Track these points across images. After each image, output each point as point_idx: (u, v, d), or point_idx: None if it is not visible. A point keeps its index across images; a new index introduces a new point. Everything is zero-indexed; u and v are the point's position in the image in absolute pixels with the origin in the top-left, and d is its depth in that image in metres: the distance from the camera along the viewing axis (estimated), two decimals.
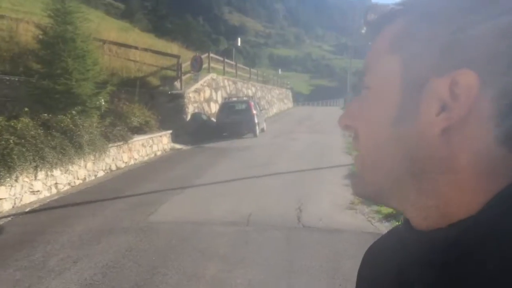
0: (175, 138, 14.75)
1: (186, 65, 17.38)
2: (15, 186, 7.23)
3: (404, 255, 0.52)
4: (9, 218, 6.57)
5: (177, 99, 15.83)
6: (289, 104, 43.23)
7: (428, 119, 0.46)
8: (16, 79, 12.11)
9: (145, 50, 17.43)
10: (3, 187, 6.90)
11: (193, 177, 9.40)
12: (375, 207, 6.64)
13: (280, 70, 63.18)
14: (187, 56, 19.34)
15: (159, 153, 13.35)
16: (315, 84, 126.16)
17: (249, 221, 6.14)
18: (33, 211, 7.01)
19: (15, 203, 7.22)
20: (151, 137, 12.89)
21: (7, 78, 12.77)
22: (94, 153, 9.47)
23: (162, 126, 14.15)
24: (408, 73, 0.48)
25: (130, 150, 11.49)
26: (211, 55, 21.45)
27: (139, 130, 12.47)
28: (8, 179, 6.95)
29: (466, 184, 0.45)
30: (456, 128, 0.45)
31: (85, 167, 9.35)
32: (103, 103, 11.60)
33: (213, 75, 20.12)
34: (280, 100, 38.73)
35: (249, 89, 26.74)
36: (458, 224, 0.45)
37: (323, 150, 13.17)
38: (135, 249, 5.17)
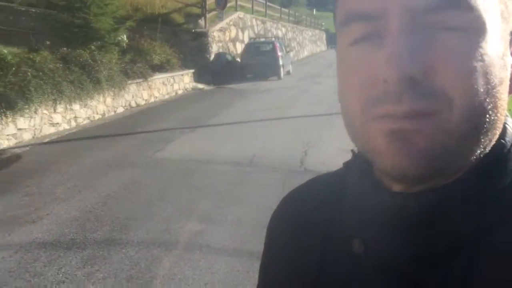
0: (198, 78, 14.80)
1: (211, 2, 17.04)
2: (35, 117, 7.54)
3: (340, 211, 0.51)
4: (28, 148, 6.92)
5: (201, 38, 15.69)
6: (322, 46, 42.16)
7: None
8: (40, 11, 12.26)
9: None
10: (22, 118, 7.21)
11: (207, 117, 9.53)
12: None
13: (315, 10, 60.88)
14: None
15: (180, 92, 13.47)
16: None
17: (252, 162, 6.26)
18: (50, 142, 7.35)
19: (34, 134, 7.57)
20: (172, 76, 12.97)
21: (33, 10, 12.94)
22: (113, 89, 9.67)
23: (185, 65, 14.17)
24: (506, 13, 0.43)
25: (150, 87, 11.64)
26: None
27: (161, 68, 12.55)
28: (27, 110, 7.24)
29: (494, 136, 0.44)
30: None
31: (104, 102, 9.59)
32: (125, 39, 11.66)
33: (240, 13, 19.69)
34: (313, 42, 37.81)
35: (279, 30, 26.13)
36: (433, 193, 0.43)
37: None
38: (137, 182, 5.41)
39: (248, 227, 4.19)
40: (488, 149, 0.43)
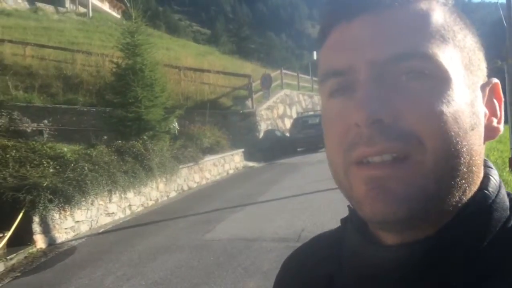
0: (248, 156, 15.07)
1: (257, 84, 17.77)
2: (91, 209, 7.88)
3: (339, 268, 0.52)
4: (84, 239, 7.17)
5: (249, 118, 16.20)
6: None
7: (491, 117, 0.48)
8: (101, 109, 13.30)
9: (218, 72, 18.16)
10: (79, 211, 7.56)
11: (256, 194, 9.53)
12: None
13: None
14: (262, 74, 19.78)
15: (231, 171, 13.72)
16: None
17: (300, 237, 6.07)
18: (105, 232, 7.59)
19: (91, 225, 7.87)
20: (223, 157, 13.31)
21: (94, 109, 14.08)
22: (165, 174, 10.02)
23: (235, 145, 14.55)
24: (468, 70, 0.46)
25: (201, 170, 11.96)
26: (284, 71, 21.68)
27: (211, 150, 12.95)
28: (84, 203, 7.60)
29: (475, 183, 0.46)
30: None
31: (157, 188, 9.91)
32: (177, 126, 12.28)
33: (286, 91, 20.30)
34: None
35: None
36: (422, 242, 0.44)
37: None
38: (184, 266, 5.38)
39: None
40: (469, 194, 0.45)
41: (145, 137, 10.16)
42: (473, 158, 0.44)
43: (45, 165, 7.62)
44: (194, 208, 8.70)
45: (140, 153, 9.51)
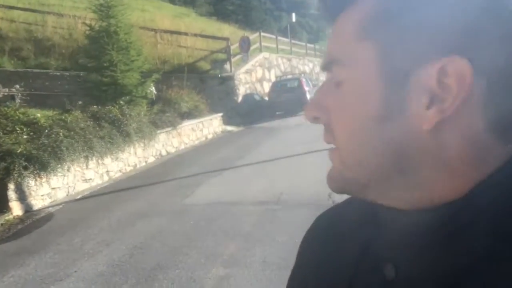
0: (227, 120, 14.99)
1: (235, 47, 17.48)
2: (68, 175, 7.78)
3: (375, 233, 0.52)
4: (61, 206, 7.11)
5: (228, 82, 16.02)
6: None
7: (417, 114, 0.43)
8: (75, 74, 12.94)
9: (195, 35, 17.77)
10: (55, 177, 7.45)
11: (235, 158, 9.54)
12: None
13: None
14: (240, 37, 19.42)
15: (210, 136, 13.66)
16: None
17: (279, 200, 6.15)
18: (82, 198, 7.53)
19: (68, 192, 7.79)
20: (201, 121, 13.20)
21: (67, 74, 13.69)
22: (143, 140, 9.91)
23: (214, 109, 14.43)
24: (387, 63, 0.44)
25: (180, 135, 11.87)
26: (263, 34, 21.34)
27: (189, 115, 12.82)
28: (60, 169, 7.48)
29: (455, 173, 0.44)
30: (448, 119, 0.42)
31: (135, 154, 9.82)
32: (154, 91, 12.07)
33: (265, 54, 20.05)
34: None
35: (305, 65, 26.36)
36: (447, 206, 0.44)
37: None
38: (164, 231, 5.40)
39: (274, 267, 4.05)
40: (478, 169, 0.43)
41: (121, 102, 9.96)
42: (408, 146, 0.43)
43: (18, 131, 7.42)
44: (172, 173, 8.68)
45: (117, 119, 9.35)
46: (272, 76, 20.33)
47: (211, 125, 13.91)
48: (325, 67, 0.49)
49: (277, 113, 17.15)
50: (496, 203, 0.42)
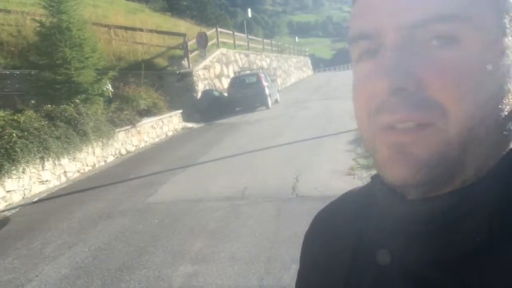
0: (187, 117, 14.85)
1: (193, 43, 17.30)
2: (23, 177, 7.48)
3: (368, 223, 0.53)
4: (17, 209, 6.83)
5: (186, 78, 15.84)
6: (308, 71, 42.65)
7: None
8: (26, 72, 12.40)
9: (151, 31, 17.44)
10: (10, 180, 7.15)
11: (198, 155, 9.49)
12: (374, 171, 6.56)
13: (297, 38, 62.05)
14: (197, 33, 19.23)
15: (170, 133, 13.49)
16: (337, 48, 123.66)
17: (244, 195, 6.18)
18: (40, 201, 7.27)
19: (24, 194, 7.49)
20: (161, 119, 13.02)
21: (17, 72, 13.08)
22: (101, 139, 9.66)
23: (173, 106, 14.24)
24: (505, 22, 0.43)
25: (139, 133, 11.65)
26: (219, 29, 21.23)
27: (148, 112, 12.60)
28: (15, 171, 7.19)
29: (484, 156, 0.44)
30: None
31: (93, 153, 9.56)
32: (110, 88, 11.76)
33: (222, 50, 19.97)
34: (299, 69, 38.25)
35: (263, 61, 26.46)
36: (449, 196, 0.44)
37: (332, 118, 12.99)
38: (128, 230, 5.31)
39: (242, 262, 4.09)
40: (501, 154, 0.44)
41: (77, 100, 9.65)
42: (506, 124, 0.43)
43: None
44: (134, 172, 8.53)
45: (73, 118, 9.06)
46: (231, 71, 20.29)
47: (171, 122, 13.73)
48: (431, 21, 0.41)
49: (237, 109, 17.15)
50: (495, 195, 0.43)
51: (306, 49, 49.94)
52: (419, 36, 0.42)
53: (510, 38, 0.43)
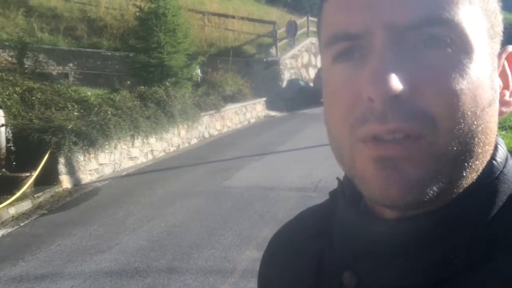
0: (270, 105, 15.00)
1: (282, 31, 17.35)
2: (114, 152, 8.09)
3: (330, 244, 0.50)
4: (107, 181, 7.42)
5: (273, 66, 15.96)
6: None
7: (503, 90, 0.44)
8: (124, 54, 13.31)
9: (242, 18, 17.76)
10: (103, 154, 7.78)
11: (277, 143, 9.58)
12: None
13: None
14: (287, 21, 19.23)
15: (252, 120, 13.73)
16: None
17: (317, 187, 6.15)
18: (127, 175, 7.82)
19: (114, 168, 8.11)
20: (244, 105, 13.29)
21: (118, 54, 14.08)
22: (186, 121, 10.12)
23: (257, 94, 14.46)
24: (492, 32, 0.42)
25: (223, 118, 12.01)
26: (311, 18, 21.01)
27: (233, 98, 12.92)
28: (107, 146, 7.79)
29: (484, 161, 0.42)
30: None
31: (179, 134, 10.05)
32: (199, 73, 12.24)
33: (312, 39, 19.77)
34: None
35: None
36: (428, 217, 0.41)
37: None
38: (202, 211, 5.54)
39: None
40: (480, 170, 0.42)
41: (167, 83, 10.19)
42: (488, 137, 0.41)
43: (69, 108, 7.77)
44: (214, 155, 8.84)
45: (162, 99, 9.58)
46: (319, 62, 20.06)
47: (254, 110, 13.97)
48: (423, 24, 0.38)
49: (321, 100, 16.92)
50: (474, 214, 0.41)
51: None
52: (410, 38, 0.39)
53: (493, 45, 0.42)
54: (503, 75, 0.44)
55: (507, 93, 0.45)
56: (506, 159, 0.45)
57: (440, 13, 0.38)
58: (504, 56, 0.45)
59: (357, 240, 0.46)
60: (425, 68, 0.38)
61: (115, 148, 8.06)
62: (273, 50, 16.64)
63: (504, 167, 0.44)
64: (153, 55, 10.22)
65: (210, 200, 5.94)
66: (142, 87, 9.72)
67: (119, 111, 8.34)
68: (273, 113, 14.78)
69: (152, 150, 9.15)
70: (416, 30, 0.38)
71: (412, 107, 0.38)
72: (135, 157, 8.67)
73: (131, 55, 11.43)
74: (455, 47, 0.38)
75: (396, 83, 0.37)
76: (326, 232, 0.52)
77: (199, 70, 12.22)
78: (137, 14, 10.91)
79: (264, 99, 14.61)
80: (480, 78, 0.39)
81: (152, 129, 8.93)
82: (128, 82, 10.41)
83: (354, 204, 0.48)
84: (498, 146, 0.45)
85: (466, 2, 0.39)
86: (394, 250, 0.43)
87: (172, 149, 9.78)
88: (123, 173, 7.93)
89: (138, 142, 8.70)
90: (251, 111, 13.78)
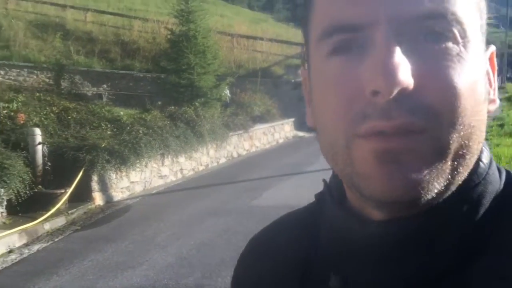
0: (298, 126, 15.03)
1: None
2: (145, 171, 8.25)
3: (316, 246, 0.49)
4: (138, 199, 7.56)
5: (301, 87, 15.94)
6: None
7: (490, 87, 0.45)
8: (156, 75, 13.67)
9: (270, 40, 18.01)
10: (134, 172, 7.94)
11: (305, 164, 9.56)
12: None
13: None
14: None
15: (281, 140, 13.78)
16: None
17: None
18: (157, 193, 7.96)
19: (145, 186, 8.26)
20: (273, 126, 13.37)
21: (149, 75, 14.46)
22: (215, 141, 10.25)
23: (286, 114, 14.54)
24: (483, 29, 0.43)
25: (251, 138, 12.11)
26: None
27: (261, 119, 13.04)
28: (138, 165, 7.96)
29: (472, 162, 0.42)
30: None
31: (208, 154, 10.18)
32: (228, 94, 12.43)
33: None
34: None
35: None
36: (414, 219, 0.41)
37: None
38: (230, 229, 5.57)
39: None
40: (470, 169, 0.42)
41: (197, 103, 10.38)
42: (482, 134, 0.40)
43: (103, 127, 8.02)
44: (242, 175, 8.89)
45: (192, 119, 9.75)
46: None
47: (282, 130, 14.03)
48: (426, 17, 0.38)
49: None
50: (465, 214, 0.41)
51: None
52: (411, 31, 0.38)
53: (484, 42, 0.43)
54: (486, 73, 0.44)
55: (491, 91, 0.44)
56: (490, 160, 0.45)
57: (442, 6, 0.37)
58: (488, 55, 0.45)
59: (345, 242, 0.45)
60: (427, 62, 0.37)
61: (145, 166, 8.22)
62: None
63: (489, 167, 0.43)
64: (184, 76, 10.48)
65: (238, 219, 5.97)
66: (173, 107, 9.94)
67: (150, 130, 8.53)
68: (301, 134, 14.79)
69: (181, 169, 9.28)
70: (418, 23, 0.37)
71: (416, 101, 0.37)
72: (165, 175, 8.81)
73: (162, 76, 11.75)
74: (455, 41, 0.38)
75: (406, 75, 0.36)
76: (311, 236, 0.50)
77: (227, 91, 12.43)
78: (169, 36, 11.24)
79: (292, 119, 14.67)
80: (478, 73, 0.39)
81: (182, 148, 9.08)
82: (159, 102, 10.67)
83: (340, 206, 0.46)
84: (483, 147, 0.44)
85: (467, 0, 0.39)
86: (384, 252, 0.42)
87: (201, 168, 9.90)
88: (153, 191, 8.06)
89: (168, 161, 8.85)
90: (279, 131, 13.84)
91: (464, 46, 0.38)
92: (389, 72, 0.35)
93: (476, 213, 0.41)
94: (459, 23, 0.38)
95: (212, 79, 11.00)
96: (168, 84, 10.81)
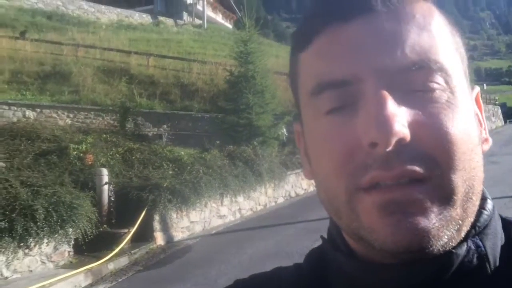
0: None
1: None
2: (205, 211, 8.26)
3: None
4: (198, 239, 7.54)
5: None
6: (497, 122, 38.60)
7: (481, 127, 0.45)
8: (214, 115, 13.97)
9: None
10: (194, 212, 7.97)
11: None
12: None
13: (485, 85, 57.01)
14: None
15: None
16: None
17: None
18: (217, 233, 7.90)
19: (204, 226, 8.25)
20: None
21: (207, 115, 14.80)
22: (273, 180, 10.16)
23: None
24: (467, 75, 0.44)
25: None
26: None
27: None
28: (198, 204, 8.00)
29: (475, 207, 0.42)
30: None
31: (266, 193, 10.08)
32: (285, 133, 12.42)
33: None
34: (487, 118, 34.84)
35: None
36: (431, 263, 0.40)
37: None
38: None
39: None
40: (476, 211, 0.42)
41: (255, 142, 10.41)
42: (482, 174, 0.41)
43: (165, 167, 8.17)
44: (302, 215, 8.68)
45: (250, 158, 9.76)
46: None
47: None
48: (413, 68, 0.38)
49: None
50: (480, 257, 0.41)
51: (496, 97, 45.48)
52: (401, 82, 0.39)
53: (468, 87, 0.44)
54: (475, 114, 0.45)
55: (483, 131, 0.45)
56: (493, 207, 0.45)
57: (426, 56, 0.39)
58: (474, 96, 0.45)
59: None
60: (419, 111, 0.38)
61: (205, 206, 8.24)
62: None
63: (493, 214, 0.44)
64: (242, 116, 10.59)
65: (301, 262, 5.75)
66: (231, 146, 10.02)
67: (210, 170, 8.60)
68: None
69: (240, 209, 9.22)
70: (404, 74, 0.38)
71: (415, 150, 0.37)
72: (224, 215, 8.78)
73: (220, 116, 11.97)
74: (443, 89, 0.39)
75: (401, 126, 0.36)
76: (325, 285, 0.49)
77: (285, 130, 12.41)
78: (228, 77, 11.49)
79: None
80: (469, 116, 0.40)
81: (241, 187, 9.06)
82: (217, 142, 10.79)
83: (352, 255, 0.46)
84: (486, 197, 0.46)
85: (448, 48, 0.41)
86: None
87: (259, 208, 9.79)
88: (213, 231, 8.02)
89: (226, 200, 8.83)
90: None
91: (452, 92, 0.39)
92: (384, 123, 0.36)
93: (488, 260, 0.41)
94: (444, 70, 0.39)
95: (270, 118, 11.04)
96: (226, 124, 10.96)
